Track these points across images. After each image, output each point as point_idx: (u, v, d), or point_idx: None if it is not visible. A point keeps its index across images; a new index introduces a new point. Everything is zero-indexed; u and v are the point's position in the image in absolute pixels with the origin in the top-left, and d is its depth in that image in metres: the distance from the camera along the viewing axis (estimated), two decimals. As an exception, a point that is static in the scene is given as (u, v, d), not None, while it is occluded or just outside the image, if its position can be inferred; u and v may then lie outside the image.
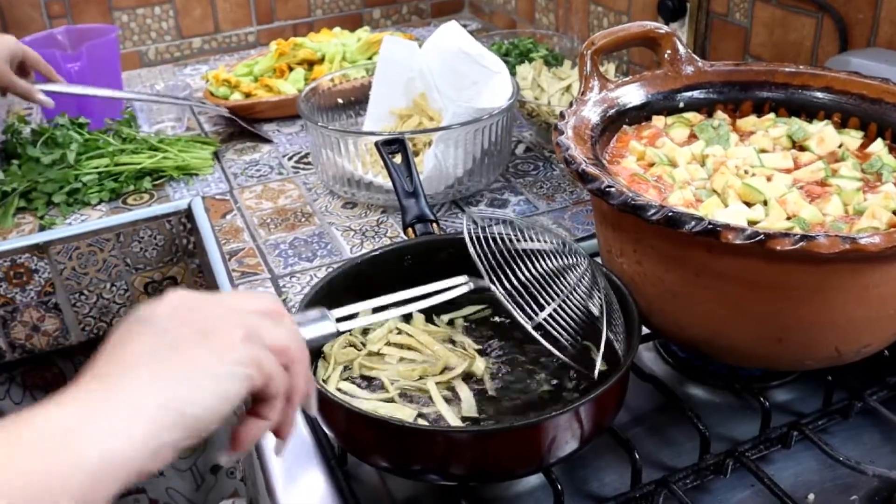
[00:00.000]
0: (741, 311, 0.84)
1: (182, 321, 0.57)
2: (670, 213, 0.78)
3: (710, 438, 0.87)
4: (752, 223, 0.85)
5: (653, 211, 0.79)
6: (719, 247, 0.77)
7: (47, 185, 1.44)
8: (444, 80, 1.43)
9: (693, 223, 0.76)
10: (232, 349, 0.56)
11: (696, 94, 1.10)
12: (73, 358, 1.56)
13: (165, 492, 1.79)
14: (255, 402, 0.60)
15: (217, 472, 1.81)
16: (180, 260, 1.48)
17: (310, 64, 1.85)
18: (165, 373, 0.53)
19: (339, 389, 0.88)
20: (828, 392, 0.93)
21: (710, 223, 0.76)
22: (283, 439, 0.64)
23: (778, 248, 0.73)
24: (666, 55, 1.11)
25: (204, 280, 1.49)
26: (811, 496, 0.84)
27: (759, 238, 0.74)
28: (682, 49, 1.10)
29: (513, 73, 1.55)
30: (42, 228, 1.40)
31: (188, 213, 1.43)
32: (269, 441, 0.93)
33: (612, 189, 0.82)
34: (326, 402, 0.79)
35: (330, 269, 1.17)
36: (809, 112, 1.07)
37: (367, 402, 0.86)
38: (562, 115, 0.99)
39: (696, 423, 0.87)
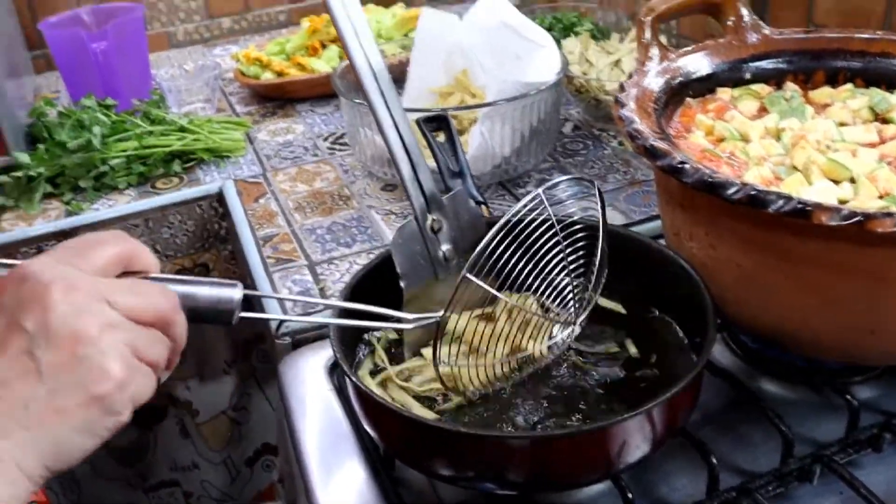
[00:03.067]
0: (830, 300, 0.75)
1: (48, 334, 0.54)
2: (753, 192, 0.70)
3: (794, 441, 0.79)
4: (841, 202, 0.77)
5: (734, 189, 0.71)
6: (809, 229, 0.68)
7: (74, 169, 1.38)
8: (487, 55, 1.35)
9: (781, 202, 0.68)
10: (103, 379, 0.55)
11: (763, 63, 1.02)
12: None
13: (200, 485, 1.75)
14: None
15: (252, 465, 1.77)
16: (212, 246, 1.41)
17: (344, 41, 1.78)
18: (39, 436, 0.54)
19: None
20: (920, 388, 0.85)
21: (800, 202, 0.68)
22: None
23: (879, 230, 0.65)
24: (729, 22, 1.02)
25: (237, 268, 1.42)
26: (908, 505, 0.76)
27: (856, 219, 0.66)
28: (747, 15, 1.02)
29: (559, 48, 1.46)
30: (69, 214, 1.34)
31: (219, 197, 1.36)
32: (309, 441, 0.87)
33: (686, 165, 0.74)
34: (371, 405, 0.72)
35: (371, 256, 1.11)
36: (889, 82, 0.98)
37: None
38: (622, 87, 0.90)
39: (776, 424, 0.79)
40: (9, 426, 0.52)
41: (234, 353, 1.64)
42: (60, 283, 0.55)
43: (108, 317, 0.56)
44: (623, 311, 0.90)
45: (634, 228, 1.13)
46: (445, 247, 0.87)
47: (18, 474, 0.52)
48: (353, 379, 0.72)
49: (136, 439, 1.64)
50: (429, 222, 0.86)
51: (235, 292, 0.64)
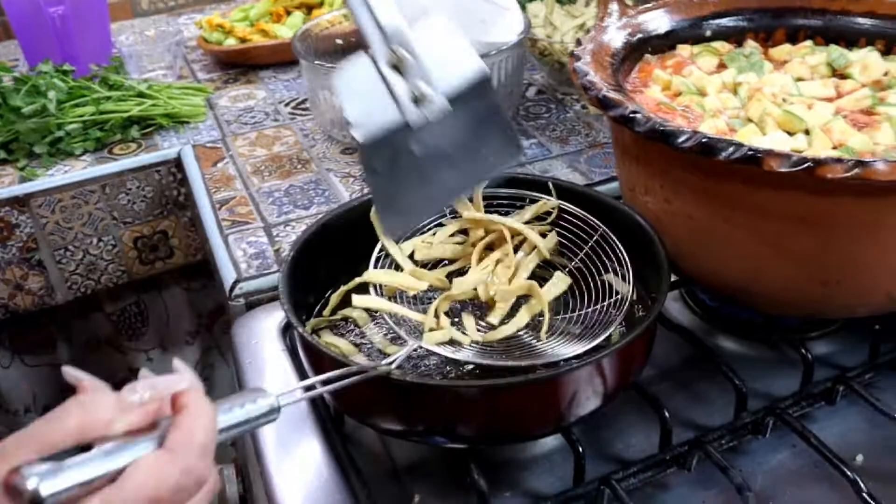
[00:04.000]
0: (783, 252, 0.74)
1: None
2: (704, 139, 0.69)
3: (747, 395, 0.78)
4: (794, 152, 0.76)
5: (684, 137, 0.70)
6: (760, 176, 0.68)
7: (28, 135, 1.35)
8: (452, 18, 1.33)
9: (731, 149, 0.67)
10: None
11: (724, 21, 1.01)
12: (62, 320, 1.48)
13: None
14: None
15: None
16: (171, 213, 1.39)
17: (308, 8, 1.75)
18: None
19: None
20: (875, 342, 0.85)
21: (750, 149, 0.67)
22: None
23: (829, 175, 0.64)
24: (691, -21, 1.01)
25: (196, 234, 1.40)
26: (860, 457, 0.76)
27: (806, 165, 0.65)
28: (708, -28, 1.01)
29: (523, 11, 1.44)
30: (23, 181, 1.31)
31: (178, 163, 1.34)
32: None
33: (638, 115, 0.73)
34: (315, 355, 0.71)
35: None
36: (849, 40, 0.97)
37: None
38: (578, 42, 0.89)
39: (730, 378, 0.79)
40: None
41: (197, 324, 1.62)
42: None
43: None
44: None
45: (595, 189, 1.13)
46: (417, 83, 0.70)
47: None
48: (300, 330, 0.71)
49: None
50: (385, 55, 0.69)
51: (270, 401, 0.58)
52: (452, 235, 0.86)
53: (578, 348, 0.73)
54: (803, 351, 0.81)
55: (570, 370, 0.66)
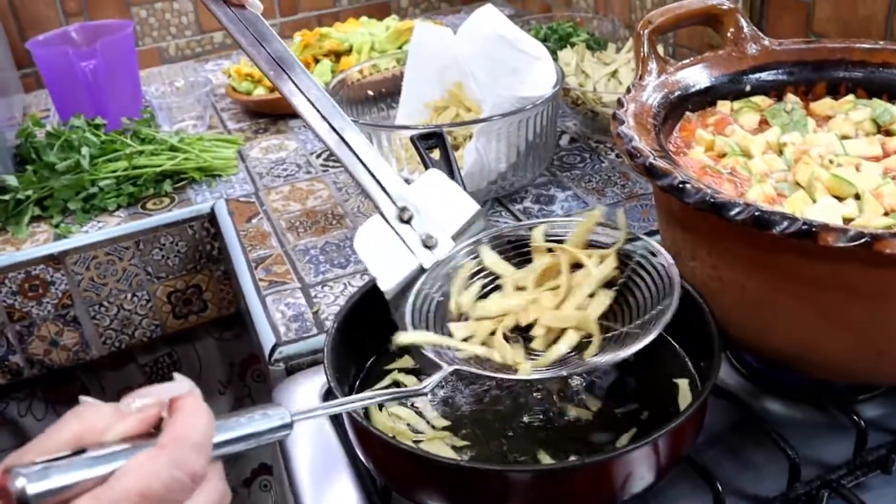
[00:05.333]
0: (838, 322, 0.73)
1: None
2: (758, 213, 0.68)
3: (800, 464, 0.76)
4: (846, 220, 0.75)
5: (737, 210, 0.68)
6: (814, 249, 0.66)
7: (62, 191, 1.36)
8: (482, 68, 1.33)
9: (786, 224, 0.66)
10: None
11: (763, 75, 1.00)
12: (95, 371, 1.48)
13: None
14: None
15: (249, 485, 1.74)
16: (204, 267, 1.39)
17: (336, 55, 1.76)
18: None
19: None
20: (930, 407, 0.83)
21: (804, 223, 0.65)
22: None
23: (887, 251, 0.63)
24: (729, 34, 1.00)
25: (230, 287, 1.40)
26: (920, 530, 0.74)
27: (864, 240, 0.63)
28: (746, 26, 1.00)
29: (554, 59, 1.44)
30: (57, 238, 1.32)
31: (211, 217, 1.34)
32: (303, 470, 0.84)
33: (688, 185, 0.72)
34: (365, 435, 0.70)
35: (367, 277, 1.09)
36: (892, 92, 0.96)
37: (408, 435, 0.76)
38: (620, 103, 0.88)
39: (782, 447, 0.77)
40: None
41: (230, 373, 1.61)
42: None
43: None
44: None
45: (633, 244, 1.12)
46: (425, 231, 0.82)
47: None
48: (354, 416, 0.70)
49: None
50: (394, 213, 0.81)
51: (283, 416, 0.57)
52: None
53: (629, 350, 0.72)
54: (855, 417, 0.79)
55: (625, 453, 0.65)
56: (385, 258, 0.80)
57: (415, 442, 0.76)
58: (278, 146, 1.53)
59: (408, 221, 0.82)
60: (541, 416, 0.79)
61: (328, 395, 0.91)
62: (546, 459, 0.73)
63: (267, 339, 1.00)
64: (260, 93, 1.67)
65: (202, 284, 1.40)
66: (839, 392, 0.87)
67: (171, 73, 2.03)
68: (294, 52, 1.73)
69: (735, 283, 0.78)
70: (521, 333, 0.80)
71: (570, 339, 0.77)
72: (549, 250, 0.84)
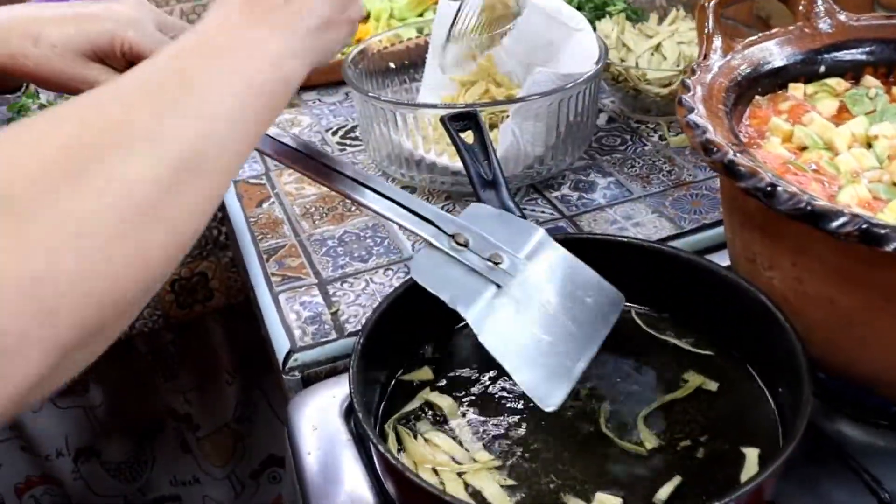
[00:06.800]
0: (949, 350, 0.63)
1: None
2: (865, 225, 0.57)
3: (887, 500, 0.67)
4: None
5: (841, 221, 0.58)
6: (932, 269, 0.56)
7: (58, 168, 1.25)
8: (513, 39, 1.22)
9: (904, 240, 0.55)
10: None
11: (839, 54, 0.89)
12: (95, 361, 1.39)
13: (202, 500, 1.64)
14: None
15: (258, 477, 1.66)
16: (211, 254, 1.29)
17: (353, 23, 1.64)
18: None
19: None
20: None
21: (926, 240, 0.55)
22: None
23: None
24: (800, 7, 0.89)
25: (238, 276, 1.30)
26: None
27: None
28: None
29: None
30: (53, 220, 1.21)
31: (219, 200, 1.23)
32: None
33: (779, 189, 0.61)
34: (400, 479, 0.60)
35: (390, 272, 0.99)
36: None
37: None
38: (685, 87, 0.77)
39: (867, 482, 0.68)
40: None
41: (237, 362, 1.52)
42: None
43: None
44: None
45: (684, 240, 1.02)
46: (487, 252, 0.74)
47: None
48: (381, 449, 0.60)
49: (132, 454, 1.53)
50: (447, 242, 0.73)
51: None
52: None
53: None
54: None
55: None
56: (455, 287, 0.72)
57: (459, 474, 0.67)
58: (291, 121, 1.42)
59: (465, 245, 0.73)
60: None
61: (350, 413, 0.81)
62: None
63: (281, 345, 0.89)
64: (271, 63, 1.55)
65: (208, 272, 1.30)
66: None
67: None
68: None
69: (823, 299, 0.67)
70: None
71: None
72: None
